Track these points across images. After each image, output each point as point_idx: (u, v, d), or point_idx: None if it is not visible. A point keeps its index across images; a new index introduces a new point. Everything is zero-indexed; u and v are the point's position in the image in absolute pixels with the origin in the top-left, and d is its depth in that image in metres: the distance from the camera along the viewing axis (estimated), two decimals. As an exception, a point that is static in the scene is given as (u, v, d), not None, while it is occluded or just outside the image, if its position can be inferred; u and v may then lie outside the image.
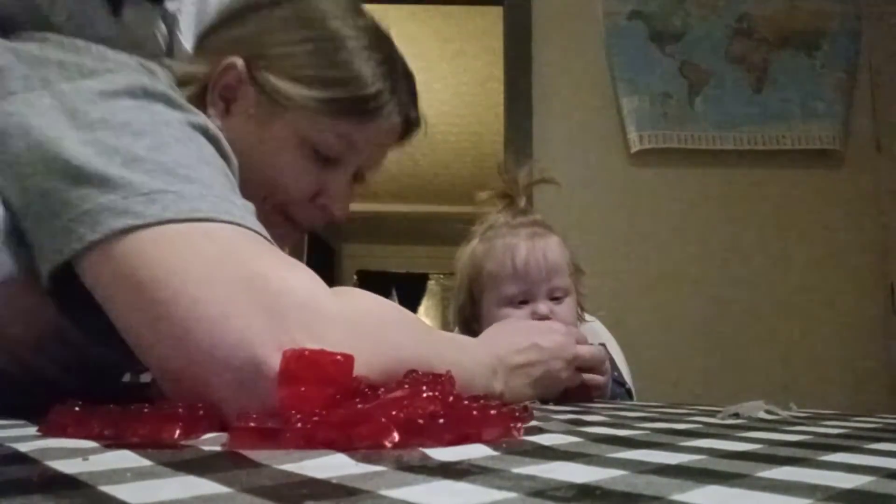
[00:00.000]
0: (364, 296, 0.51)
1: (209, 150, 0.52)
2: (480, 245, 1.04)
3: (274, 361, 0.39)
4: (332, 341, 0.40)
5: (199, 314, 0.41)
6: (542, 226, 1.03)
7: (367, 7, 0.73)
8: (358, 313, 0.47)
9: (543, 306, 0.97)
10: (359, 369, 0.40)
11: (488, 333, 0.76)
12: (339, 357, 0.39)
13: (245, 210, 0.49)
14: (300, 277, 0.45)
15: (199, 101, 0.64)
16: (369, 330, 0.46)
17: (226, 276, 0.42)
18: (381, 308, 0.50)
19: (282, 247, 0.71)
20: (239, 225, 0.46)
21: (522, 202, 1.07)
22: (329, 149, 0.67)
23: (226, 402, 0.39)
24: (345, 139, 0.67)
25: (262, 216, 0.66)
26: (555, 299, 0.99)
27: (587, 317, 1.14)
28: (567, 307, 1.00)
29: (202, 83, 0.65)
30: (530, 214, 1.05)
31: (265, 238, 0.48)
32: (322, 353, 0.39)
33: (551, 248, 1.00)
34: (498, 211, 1.07)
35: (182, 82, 0.64)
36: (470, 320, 1.07)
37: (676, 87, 2.02)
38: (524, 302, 0.99)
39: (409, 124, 0.74)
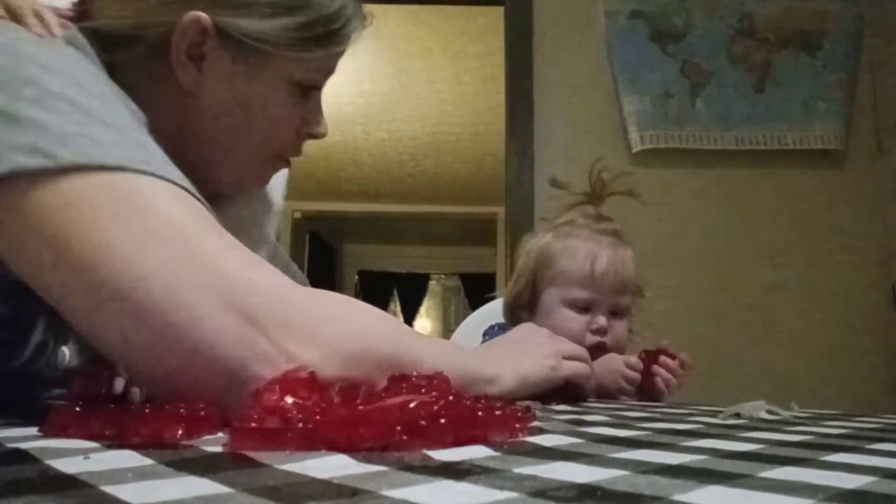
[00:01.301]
0: (332, 293, 0.51)
1: (124, 97, 0.50)
2: (556, 240, 1.03)
3: (253, 366, 0.40)
4: (305, 336, 0.41)
5: (164, 303, 0.40)
6: (621, 237, 1.04)
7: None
8: (326, 303, 0.47)
9: (603, 319, 0.98)
10: (329, 359, 0.41)
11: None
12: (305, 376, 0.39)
13: (165, 162, 0.47)
14: (265, 275, 0.45)
15: (152, 63, 0.59)
16: (340, 321, 0.46)
17: (175, 254, 0.41)
18: (349, 301, 0.51)
19: (268, 180, 0.71)
20: (170, 182, 0.45)
21: (602, 206, 1.07)
22: (312, 81, 0.66)
23: (203, 396, 0.39)
24: (323, 68, 0.66)
25: (258, 167, 0.66)
26: (614, 314, 1.00)
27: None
28: (623, 326, 1.01)
29: (153, 43, 0.59)
30: (611, 222, 1.05)
31: (195, 197, 0.47)
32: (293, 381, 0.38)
33: (628, 264, 1.00)
34: (574, 208, 1.07)
35: (117, 42, 0.58)
36: (522, 310, 1.07)
37: (677, 87, 2.02)
38: (586, 309, 0.99)
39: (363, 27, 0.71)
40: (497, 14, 2.30)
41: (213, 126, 0.62)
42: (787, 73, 2.04)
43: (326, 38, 0.64)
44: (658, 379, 0.91)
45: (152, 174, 0.44)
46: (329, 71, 0.67)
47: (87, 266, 0.40)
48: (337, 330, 0.45)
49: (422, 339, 0.59)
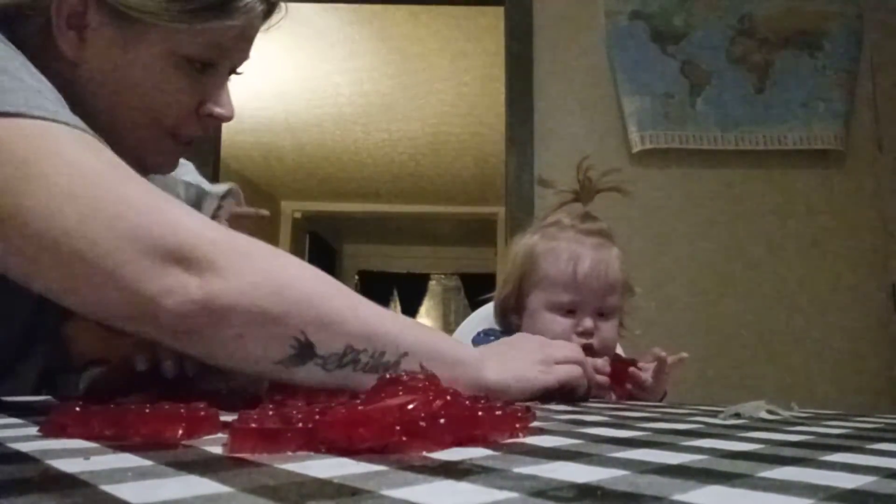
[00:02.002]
0: (258, 241, 0.51)
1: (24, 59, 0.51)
2: (542, 242, 1.01)
3: (166, 300, 0.43)
4: (218, 268, 0.44)
5: (88, 253, 0.43)
6: (607, 236, 1.01)
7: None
8: (244, 242, 0.49)
9: (589, 321, 0.96)
10: (242, 291, 0.45)
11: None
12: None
13: (62, 106, 0.48)
14: (180, 213, 0.47)
15: (46, 36, 0.60)
16: (257, 258, 0.48)
17: (92, 206, 0.44)
18: (274, 249, 0.51)
19: (174, 167, 0.71)
20: (72, 126, 0.47)
21: (588, 205, 1.05)
22: (202, 57, 0.64)
23: (133, 331, 0.46)
24: (214, 43, 0.64)
25: (152, 143, 0.65)
26: (602, 315, 0.98)
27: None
28: (612, 326, 0.99)
29: (46, 16, 0.59)
30: (598, 221, 1.03)
31: (96, 138, 0.49)
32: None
33: (613, 265, 0.98)
34: (560, 208, 1.05)
35: (16, 17, 0.59)
36: (510, 312, 1.05)
37: (678, 88, 2.02)
38: (572, 312, 0.98)
39: (271, 5, 0.70)
40: (497, 14, 2.30)
41: (101, 97, 0.62)
42: (787, 73, 2.04)
43: (209, 11, 0.62)
44: (629, 386, 0.90)
45: (54, 120, 0.46)
46: (225, 48, 0.65)
47: (11, 225, 0.43)
48: (253, 266, 0.47)
49: (362, 302, 0.53)
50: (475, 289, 6.59)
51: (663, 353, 0.90)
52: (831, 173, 2.04)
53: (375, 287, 6.97)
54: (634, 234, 1.99)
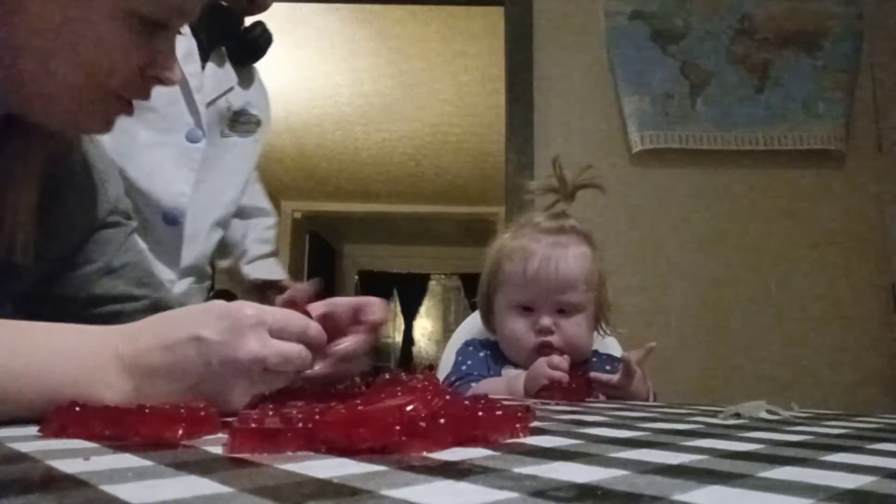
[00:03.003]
0: None
1: None
2: (508, 242, 1.02)
3: None
4: None
5: None
6: (569, 233, 1.00)
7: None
8: None
9: (547, 319, 0.96)
10: None
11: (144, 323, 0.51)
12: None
13: None
14: None
15: None
16: None
17: None
18: None
19: (109, 130, 0.64)
20: None
21: (562, 204, 1.04)
22: (156, 15, 0.60)
23: None
24: (172, 4, 0.60)
25: (92, 105, 0.60)
26: (562, 312, 0.97)
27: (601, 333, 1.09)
28: (575, 323, 0.97)
29: None
30: (564, 219, 1.02)
31: None
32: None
33: (567, 261, 0.97)
34: (544, 208, 1.06)
35: None
36: (487, 313, 1.06)
37: (678, 88, 2.02)
38: (530, 310, 0.98)
39: None
40: (497, 14, 2.30)
41: (36, 58, 0.57)
42: (787, 73, 2.04)
43: None
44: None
45: None
46: (180, 9, 0.61)
47: None
48: None
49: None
50: (475, 289, 6.59)
51: (628, 356, 0.89)
52: (831, 173, 2.04)
53: (375, 287, 6.97)
54: (634, 234, 1.99)
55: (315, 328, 0.52)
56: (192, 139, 1.14)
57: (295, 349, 0.49)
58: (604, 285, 1.02)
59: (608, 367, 0.99)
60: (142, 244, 0.80)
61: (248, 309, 0.47)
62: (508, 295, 0.99)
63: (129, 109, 0.64)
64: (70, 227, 0.70)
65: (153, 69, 0.62)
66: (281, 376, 0.49)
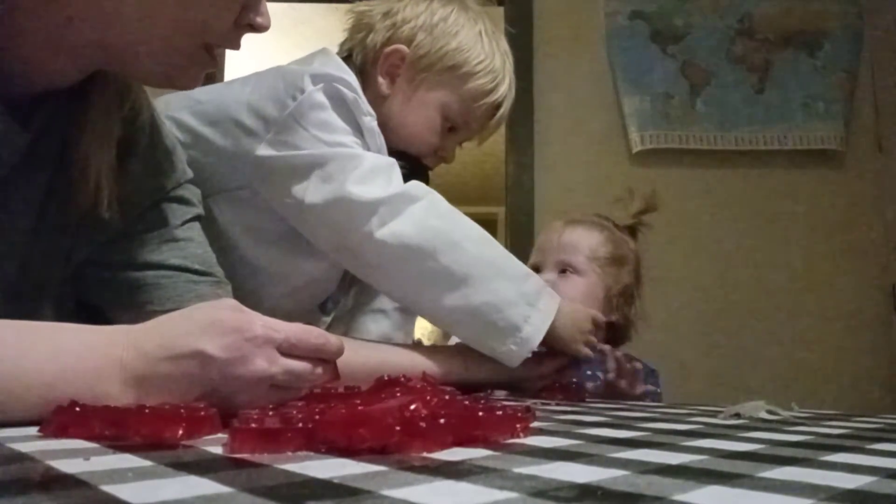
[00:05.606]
0: None
1: None
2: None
3: None
4: None
5: None
6: (589, 220, 1.16)
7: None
8: None
9: (549, 275, 1.07)
10: None
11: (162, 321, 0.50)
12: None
13: None
14: None
15: None
16: None
17: None
18: None
19: (199, 84, 0.64)
20: None
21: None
22: None
23: None
24: None
25: (184, 56, 0.59)
26: (563, 272, 1.07)
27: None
28: (573, 284, 1.06)
29: None
30: (585, 216, 1.18)
31: None
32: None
33: (571, 231, 1.12)
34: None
35: None
36: None
37: (678, 88, 2.02)
38: (538, 270, 1.08)
39: None
40: (497, 14, 2.30)
41: (135, 4, 0.55)
42: (787, 73, 2.04)
43: None
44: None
45: None
46: None
47: None
48: None
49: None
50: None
51: (606, 347, 0.94)
52: (831, 173, 2.04)
53: (375, 287, 6.95)
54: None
55: (335, 343, 0.50)
56: None
57: (306, 367, 0.47)
58: (621, 268, 1.16)
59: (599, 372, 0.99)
60: (205, 237, 0.77)
61: (257, 326, 0.46)
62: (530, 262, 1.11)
63: (214, 63, 0.63)
64: (138, 190, 0.68)
65: (246, 16, 0.61)
66: (291, 391, 0.48)
